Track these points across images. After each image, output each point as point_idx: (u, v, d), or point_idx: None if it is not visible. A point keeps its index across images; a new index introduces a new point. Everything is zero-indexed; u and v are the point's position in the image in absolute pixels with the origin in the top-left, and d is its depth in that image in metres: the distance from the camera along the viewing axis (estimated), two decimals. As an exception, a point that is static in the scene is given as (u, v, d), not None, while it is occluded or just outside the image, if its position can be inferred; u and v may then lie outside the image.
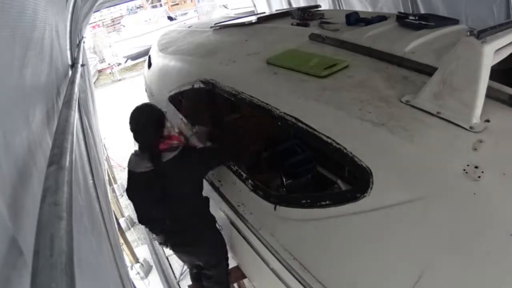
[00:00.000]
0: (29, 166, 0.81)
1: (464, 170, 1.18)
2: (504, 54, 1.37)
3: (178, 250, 2.27)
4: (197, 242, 2.12)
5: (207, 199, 2.12)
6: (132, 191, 2.00)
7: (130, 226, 5.43)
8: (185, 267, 4.13)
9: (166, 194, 1.93)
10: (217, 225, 2.20)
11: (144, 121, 1.91)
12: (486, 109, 1.31)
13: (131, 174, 1.94)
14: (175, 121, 2.58)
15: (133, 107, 1.96)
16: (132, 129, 1.91)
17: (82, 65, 2.51)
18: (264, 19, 3.23)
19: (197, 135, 2.47)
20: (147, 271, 4.49)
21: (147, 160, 1.87)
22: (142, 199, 2.00)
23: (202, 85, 2.36)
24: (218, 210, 2.24)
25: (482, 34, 1.30)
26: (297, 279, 1.55)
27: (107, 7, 11.58)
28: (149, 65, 3.84)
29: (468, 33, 1.32)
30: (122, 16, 18.82)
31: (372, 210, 1.33)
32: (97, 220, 1.66)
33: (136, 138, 1.93)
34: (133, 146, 2.02)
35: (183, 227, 2.05)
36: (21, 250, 0.60)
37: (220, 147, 2.25)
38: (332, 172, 2.24)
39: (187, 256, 2.33)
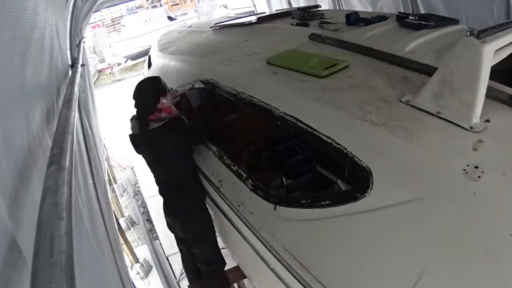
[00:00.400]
0: (29, 166, 0.81)
1: (464, 170, 1.18)
2: (504, 54, 1.37)
3: (167, 215, 2.45)
4: (181, 210, 2.31)
5: (196, 175, 2.33)
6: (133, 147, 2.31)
7: (130, 226, 5.43)
8: (185, 267, 4.13)
9: (151, 157, 2.28)
10: (205, 203, 2.39)
11: (142, 91, 2.21)
12: (486, 109, 1.31)
13: (130, 134, 2.24)
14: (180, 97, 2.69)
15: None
16: (133, 96, 2.20)
17: (82, 65, 2.51)
18: (264, 19, 3.23)
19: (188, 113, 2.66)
20: (147, 271, 4.49)
21: (138, 126, 2.16)
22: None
23: (202, 85, 2.36)
24: (218, 210, 2.24)
25: (482, 34, 1.30)
26: (297, 279, 1.55)
27: (107, 7, 11.57)
28: (149, 65, 3.84)
29: (468, 33, 1.32)
30: (122, 16, 18.81)
31: (372, 210, 1.33)
32: (97, 220, 1.66)
33: (134, 104, 2.21)
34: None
35: (170, 192, 2.32)
36: (21, 250, 0.60)
37: (199, 124, 2.45)
38: (332, 172, 2.24)
39: (173, 222, 2.46)
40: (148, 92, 2.20)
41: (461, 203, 1.17)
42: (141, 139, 2.19)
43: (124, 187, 6.50)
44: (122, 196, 6.27)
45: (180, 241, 2.67)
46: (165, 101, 2.18)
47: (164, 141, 2.17)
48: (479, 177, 1.15)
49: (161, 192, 2.40)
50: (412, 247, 1.22)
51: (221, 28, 3.38)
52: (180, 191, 2.28)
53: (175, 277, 4.13)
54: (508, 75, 1.61)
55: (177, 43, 3.53)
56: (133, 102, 2.21)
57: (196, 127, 2.41)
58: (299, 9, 3.17)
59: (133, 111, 2.24)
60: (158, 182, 2.40)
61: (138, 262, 4.47)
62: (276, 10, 4.59)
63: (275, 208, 1.74)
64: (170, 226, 2.53)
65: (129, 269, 3.86)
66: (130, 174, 6.84)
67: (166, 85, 2.26)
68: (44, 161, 0.77)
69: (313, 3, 4.83)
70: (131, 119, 2.24)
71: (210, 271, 2.47)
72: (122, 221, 5.15)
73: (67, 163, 0.72)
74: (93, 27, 16.50)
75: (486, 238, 1.09)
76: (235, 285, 2.71)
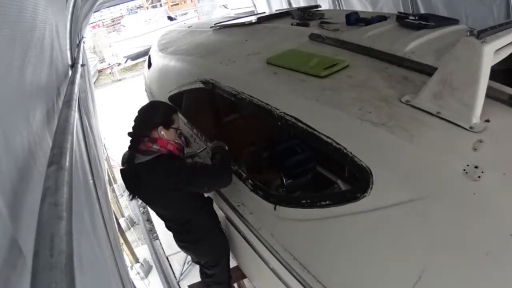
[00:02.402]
0: (29, 166, 0.81)
1: (464, 170, 1.18)
2: (504, 54, 1.37)
3: (179, 245, 2.30)
4: (194, 243, 2.15)
5: (208, 200, 2.14)
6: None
7: (130, 226, 5.43)
8: (185, 266, 4.14)
9: (146, 196, 1.92)
10: (219, 225, 2.20)
11: (143, 111, 1.90)
12: (486, 109, 1.31)
13: (120, 169, 1.92)
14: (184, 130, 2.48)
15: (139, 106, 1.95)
16: (135, 117, 1.89)
17: (82, 65, 2.51)
18: (264, 19, 3.23)
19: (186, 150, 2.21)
20: (147, 271, 4.49)
21: (125, 157, 1.85)
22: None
23: (202, 85, 2.36)
24: (218, 210, 2.24)
25: (482, 34, 1.30)
26: (297, 279, 1.55)
27: (107, 7, 11.58)
28: (149, 65, 3.84)
29: (468, 33, 1.32)
30: (122, 16, 18.83)
31: (372, 210, 1.33)
32: (97, 220, 1.66)
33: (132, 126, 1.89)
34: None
35: (179, 229, 2.10)
36: (21, 250, 0.60)
37: (203, 172, 1.88)
38: (332, 172, 2.24)
39: (186, 251, 2.36)
40: (149, 115, 1.86)
41: (461, 203, 1.16)
42: (127, 175, 1.84)
43: (124, 187, 6.50)
44: (122, 196, 6.27)
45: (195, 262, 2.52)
46: (163, 133, 1.81)
47: (152, 179, 1.77)
48: (479, 177, 1.15)
49: (167, 227, 2.17)
50: (412, 247, 1.22)
51: (221, 28, 3.38)
52: (188, 227, 2.02)
53: (175, 277, 4.13)
54: (508, 75, 1.61)
55: (177, 43, 3.53)
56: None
57: (198, 175, 1.85)
58: (299, 9, 3.17)
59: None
60: (161, 217, 2.12)
61: (138, 262, 4.47)
62: (276, 10, 4.59)
63: (275, 208, 1.74)
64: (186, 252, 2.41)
65: (129, 269, 3.86)
66: (130, 174, 6.82)
67: (174, 120, 1.89)
68: (44, 161, 0.77)
69: (313, 3, 4.83)
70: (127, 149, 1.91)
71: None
72: (122, 221, 5.15)
73: (67, 163, 0.72)
74: (93, 27, 16.50)
75: (486, 238, 1.09)
76: (235, 285, 2.71)
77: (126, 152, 1.88)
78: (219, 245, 2.21)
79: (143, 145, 1.79)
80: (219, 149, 2.04)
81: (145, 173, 1.77)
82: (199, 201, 2.05)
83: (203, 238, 2.10)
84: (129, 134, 1.86)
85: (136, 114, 1.90)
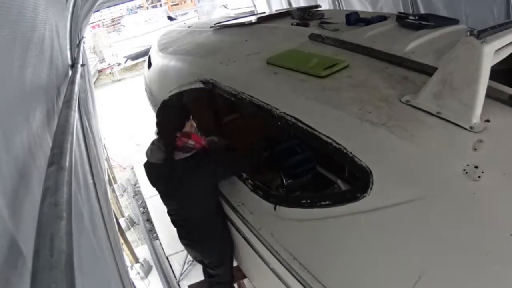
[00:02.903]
0: (29, 166, 0.81)
1: (464, 170, 1.18)
2: (504, 54, 1.37)
3: (184, 243, 2.31)
4: (201, 242, 2.16)
5: (219, 204, 2.15)
6: (148, 178, 2.06)
7: (130, 226, 5.43)
8: (185, 266, 4.13)
9: (173, 191, 1.95)
10: (227, 226, 2.20)
11: (171, 109, 1.97)
12: (486, 109, 1.31)
13: (146, 162, 1.98)
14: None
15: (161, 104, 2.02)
16: (157, 118, 1.94)
17: (82, 65, 2.51)
18: (264, 19, 3.23)
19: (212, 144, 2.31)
20: (147, 271, 4.48)
21: (160, 153, 1.89)
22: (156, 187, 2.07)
23: (202, 85, 2.36)
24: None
25: (482, 34, 1.30)
26: (297, 279, 1.55)
27: (107, 7, 11.58)
28: (149, 65, 3.84)
29: (468, 33, 1.32)
30: (122, 16, 18.81)
31: (372, 210, 1.33)
32: (97, 220, 1.66)
33: (157, 127, 1.94)
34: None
35: (189, 226, 2.11)
36: (21, 250, 0.60)
37: (236, 159, 2.10)
38: (332, 172, 2.24)
39: (191, 249, 2.36)
40: (176, 112, 1.93)
41: (461, 203, 1.16)
42: (163, 170, 1.88)
43: (124, 187, 6.50)
44: (122, 196, 6.27)
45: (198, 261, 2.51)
46: (189, 125, 1.90)
47: (191, 176, 1.85)
48: (479, 177, 1.15)
49: (175, 224, 2.19)
50: (412, 247, 1.22)
51: (221, 28, 3.38)
52: (199, 225, 2.06)
53: (175, 277, 4.13)
54: (508, 75, 1.61)
55: (177, 43, 3.53)
56: (156, 120, 1.95)
57: (236, 163, 2.05)
58: (299, 9, 3.17)
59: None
60: (173, 214, 2.17)
61: (138, 262, 4.47)
62: (276, 10, 4.59)
63: (275, 208, 1.74)
64: (188, 251, 2.40)
65: (129, 269, 3.86)
66: (130, 174, 6.83)
67: (189, 107, 2.03)
68: (44, 161, 0.77)
69: (313, 3, 4.83)
70: (152, 143, 1.98)
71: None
72: (122, 221, 5.15)
73: (67, 163, 0.72)
74: (93, 27, 16.48)
75: (486, 238, 1.09)
76: (235, 285, 2.71)
77: (152, 147, 1.94)
78: (225, 245, 2.22)
79: (179, 141, 1.85)
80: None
81: (188, 169, 1.84)
82: (217, 200, 2.11)
83: (211, 237, 2.12)
84: (162, 133, 1.92)
85: (158, 118, 1.95)
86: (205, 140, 1.98)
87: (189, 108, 2.00)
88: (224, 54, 2.54)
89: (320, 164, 2.22)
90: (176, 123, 1.87)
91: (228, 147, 2.35)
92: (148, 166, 1.98)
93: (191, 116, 1.94)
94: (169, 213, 2.19)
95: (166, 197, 2.09)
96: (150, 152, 1.96)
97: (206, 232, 2.10)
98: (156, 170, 1.93)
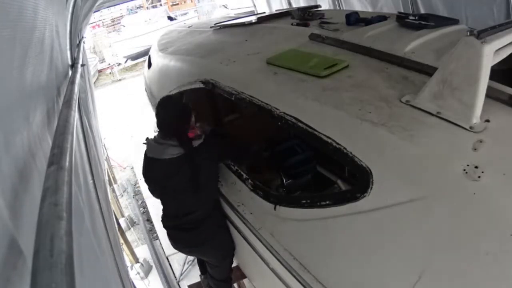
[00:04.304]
0: (29, 166, 0.81)
1: (464, 170, 1.18)
2: (504, 54, 1.37)
3: (187, 251, 2.31)
4: (208, 241, 2.14)
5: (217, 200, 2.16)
6: (151, 177, 2.08)
7: (130, 226, 5.43)
8: (185, 266, 4.14)
9: (195, 182, 1.95)
10: (226, 223, 2.21)
11: (175, 109, 2.01)
12: (486, 109, 1.31)
13: (154, 161, 1.97)
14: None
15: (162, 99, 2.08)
16: (161, 117, 1.98)
17: (82, 65, 2.51)
18: (264, 19, 3.23)
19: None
20: (147, 271, 4.49)
21: (174, 147, 1.91)
22: (165, 187, 2.05)
23: (202, 85, 2.36)
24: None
25: (482, 34, 1.30)
26: (297, 279, 1.55)
27: (107, 7, 11.58)
28: (149, 65, 3.84)
29: (468, 33, 1.32)
30: (122, 16, 18.82)
31: (372, 210, 1.33)
32: (97, 220, 1.66)
33: (162, 125, 1.97)
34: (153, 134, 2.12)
35: (198, 223, 2.07)
36: (21, 250, 0.60)
37: (232, 142, 2.27)
38: (332, 172, 2.24)
39: (192, 253, 2.36)
40: (184, 110, 2.01)
41: (461, 203, 1.16)
42: (187, 159, 1.91)
43: (124, 187, 6.51)
44: (122, 196, 6.28)
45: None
46: (193, 120, 2.01)
47: (209, 157, 1.97)
48: (479, 177, 1.15)
49: (168, 226, 2.16)
50: (412, 247, 1.22)
51: (221, 28, 3.38)
52: (200, 222, 2.06)
53: (175, 277, 4.13)
54: (508, 75, 1.61)
55: (177, 43, 3.53)
56: (159, 122, 1.99)
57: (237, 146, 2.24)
58: (299, 9, 3.17)
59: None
60: (172, 217, 2.13)
61: (138, 262, 4.47)
62: (276, 10, 4.59)
63: (275, 208, 1.74)
64: (183, 251, 2.38)
65: (129, 269, 3.86)
66: (130, 174, 6.85)
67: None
68: (44, 161, 0.77)
69: (313, 3, 4.83)
70: (155, 142, 1.99)
71: (219, 286, 2.43)
72: (122, 221, 5.15)
73: (67, 163, 0.72)
74: (93, 27, 16.49)
75: (486, 238, 1.09)
76: (235, 285, 2.72)
77: (161, 145, 1.95)
78: (228, 243, 2.23)
79: (191, 133, 1.96)
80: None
81: (206, 152, 1.94)
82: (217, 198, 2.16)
83: (213, 236, 2.13)
84: (172, 130, 1.96)
85: (165, 111, 1.99)
86: (200, 128, 2.11)
87: (187, 104, 2.09)
88: (224, 54, 2.54)
89: (320, 164, 2.23)
90: (185, 121, 1.96)
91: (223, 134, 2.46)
92: (161, 163, 1.94)
93: (191, 111, 2.03)
94: (167, 216, 2.14)
95: (168, 193, 2.05)
96: (158, 151, 1.95)
97: (207, 230, 2.09)
98: (178, 163, 1.92)
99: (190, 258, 3.74)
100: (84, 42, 3.57)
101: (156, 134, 2.03)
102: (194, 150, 1.92)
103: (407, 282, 1.17)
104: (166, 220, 2.16)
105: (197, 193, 1.98)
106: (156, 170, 2.00)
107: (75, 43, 2.69)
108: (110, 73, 14.91)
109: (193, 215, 2.03)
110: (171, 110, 2.00)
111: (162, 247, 4.56)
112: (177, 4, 21.31)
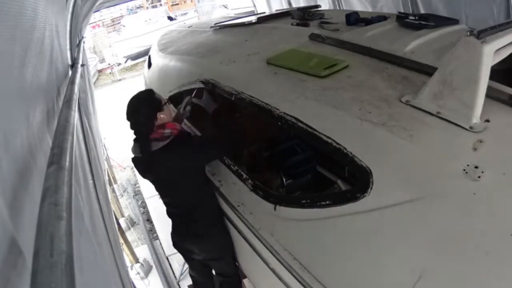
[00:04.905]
0: (29, 166, 0.81)
1: (464, 170, 1.18)
2: (504, 54, 1.37)
3: (181, 239, 2.32)
4: (198, 237, 2.17)
5: (209, 191, 2.18)
6: (141, 173, 2.12)
7: (130, 226, 5.43)
8: (185, 266, 4.13)
9: (158, 181, 2.06)
10: (222, 218, 2.23)
11: (135, 109, 1.94)
12: (486, 109, 1.31)
13: (135, 159, 2.03)
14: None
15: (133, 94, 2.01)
16: (126, 116, 1.94)
17: (82, 65, 2.51)
18: (264, 19, 3.23)
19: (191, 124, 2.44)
20: (147, 271, 4.48)
21: (138, 148, 1.95)
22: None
23: (202, 85, 2.36)
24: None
25: (482, 34, 1.29)
26: (297, 279, 1.55)
27: (107, 7, 11.57)
28: (149, 65, 3.84)
29: (468, 33, 1.32)
30: (122, 16, 18.81)
31: (372, 210, 1.33)
32: (97, 220, 1.66)
33: (130, 125, 1.97)
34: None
35: (183, 216, 2.15)
36: (21, 250, 0.60)
37: (216, 139, 2.16)
38: (332, 172, 2.24)
39: (190, 247, 2.36)
40: (143, 109, 1.91)
41: (461, 203, 1.16)
42: (144, 162, 1.96)
43: (124, 187, 6.50)
44: (122, 196, 6.27)
45: (190, 259, 2.46)
46: (163, 116, 1.93)
47: (171, 162, 1.91)
48: (479, 177, 1.15)
49: (170, 214, 2.22)
50: (412, 247, 1.22)
51: (221, 28, 3.38)
52: (195, 215, 2.11)
53: (175, 277, 4.13)
54: (508, 75, 1.61)
55: (177, 43, 3.53)
56: (128, 123, 1.95)
57: (216, 142, 2.10)
58: (299, 9, 3.17)
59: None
60: (167, 204, 2.21)
61: (138, 262, 4.47)
62: (276, 10, 4.59)
63: (275, 208, 1.74)
64: (182, 249, 2.37)
65: (129, 269, 3.86)
66: (130, 174, 6.84)
67: (161, 98, 2.00)
68: (44, 161, 0.77)
69: (313, 3, 4.83)
70: (134, 139, 2.01)
71: (229, 282, 2.43)
72: (122, 221, 5.15)
73: (67, 163, 0.72)
74: (93, 27, 16.48)
75: (486, 238, 1.09)
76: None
77: (136, 144, 1.96)
78: (223, 238, 2.24)
79: (155, 134, 1.89)
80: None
81: (167, 156, 1.88)
82: (208, 188, 2.16)
83: (209, 230, 2.16)
84: (135, 132, 1.95)
85: (128, 115, 1.94)
86: (181, 125, 2.07)
87: (158, 98, 1.98)
88: (224, 54, 2.54)
89: (320, 164, 2.22)
90: (146, 122, 1.90)
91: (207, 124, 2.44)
92: (134, 160, 2.04)
93: (165, 104, 1.97)
94: (165, 203, 2.24)
95: (157, 187, 2.16)
96: (133, 147, 2.01)
97: (202, 223, 2.13)
98: (140, 163, 2.01)
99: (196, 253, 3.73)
100: (84, 42, 3.57)
101: None
102: (152, 153, 1.87)
103: (407, 282, 1.17)
104: (167, 208, 2.24)
105: (169, 190, 2.07)
106: (138, 167, 2.08)
107: (75, 43, 2.69)
108: (110, 73, 14.91)
109: (184, 203, 2.11)
110: (133, 114, 1.93)
111: (162, 247, 4.56)
112: (177, 4, 21.31)
